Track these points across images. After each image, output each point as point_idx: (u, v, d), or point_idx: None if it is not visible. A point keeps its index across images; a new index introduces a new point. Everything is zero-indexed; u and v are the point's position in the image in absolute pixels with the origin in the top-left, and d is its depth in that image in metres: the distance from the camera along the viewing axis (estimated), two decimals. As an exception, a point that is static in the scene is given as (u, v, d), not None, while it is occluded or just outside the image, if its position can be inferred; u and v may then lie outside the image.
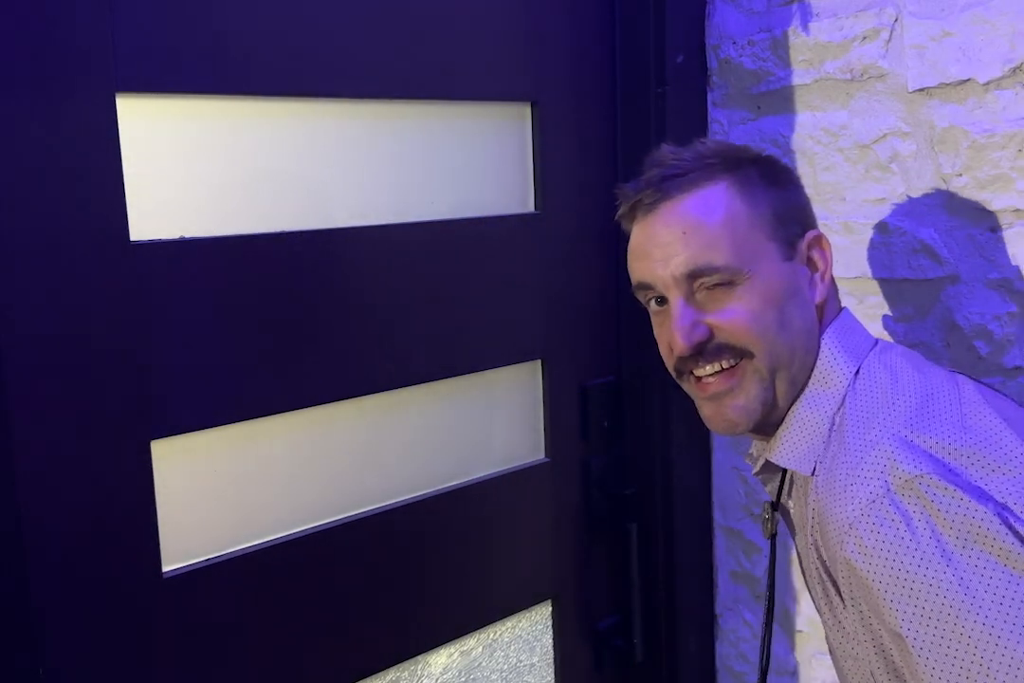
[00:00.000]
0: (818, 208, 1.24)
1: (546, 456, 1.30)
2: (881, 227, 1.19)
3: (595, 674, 1.37)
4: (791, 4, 1.23)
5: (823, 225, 1.23)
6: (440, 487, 1.18)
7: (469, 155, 1.19)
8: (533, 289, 1.24)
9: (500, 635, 1.24)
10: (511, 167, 1.23)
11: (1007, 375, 1.10)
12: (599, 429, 1.33)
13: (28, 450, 0.83)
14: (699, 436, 1.39)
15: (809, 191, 1.24)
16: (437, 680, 1.18)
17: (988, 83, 1.07)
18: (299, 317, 1.02)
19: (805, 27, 1.22)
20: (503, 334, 1.22)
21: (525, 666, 1.27)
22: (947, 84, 1.10)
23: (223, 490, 1.00)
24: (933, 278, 1.15)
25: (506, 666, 1.24)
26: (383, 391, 1.10)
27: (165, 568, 0.94)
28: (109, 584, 0.89)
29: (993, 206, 1.09)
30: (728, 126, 1.31)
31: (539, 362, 1.28)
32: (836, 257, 1.23)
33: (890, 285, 1.19)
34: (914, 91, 1.13)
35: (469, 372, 1.19)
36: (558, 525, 1.30)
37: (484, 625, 1.23)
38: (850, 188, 1.21)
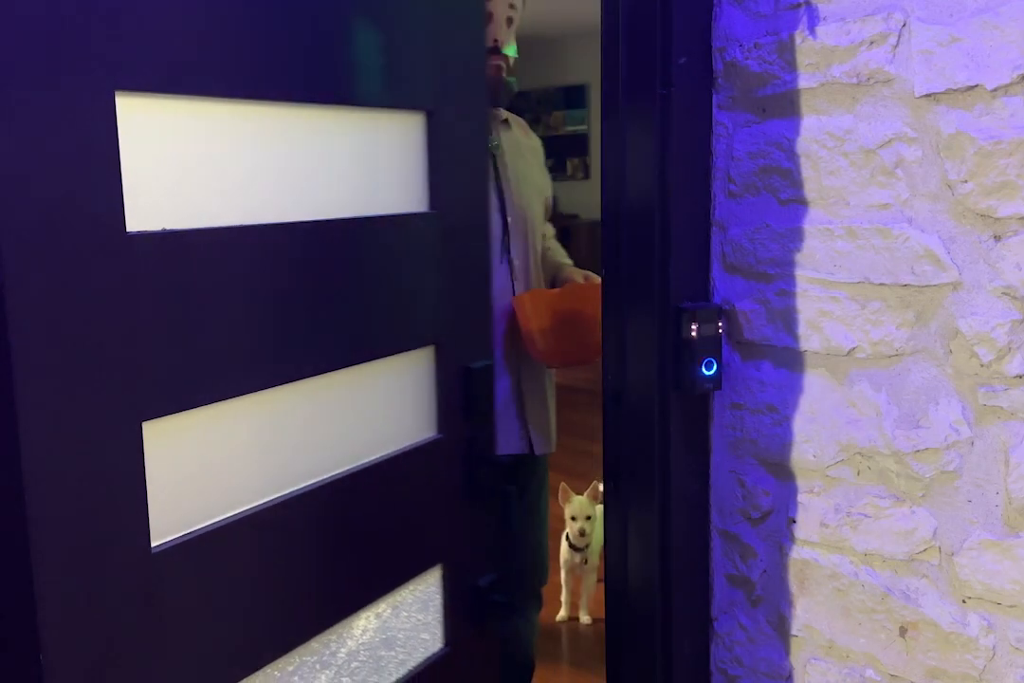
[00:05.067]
0: (822, 212, 1.24)
1: (438, 433, 1.38)
2: (885, 232, 1.18)
3: (478, 627, 1.48)
4: (798, 8, 1.22)
5: (827, 229, 1.24)
6: (349, 467, 1.24)
7: (373, 158, 1.26)
8: (427, 281, 1.33)
9: (404, 597, 1.37)
10: (410, 169, 1.31)
11: (1009, 383, 1.10)
12: (481, 406, 1.43)
13: (28, 436, 0.85)
14: (698, 438, 1.39)
15: (813, 195, 1.25)
16: (358, 640, 1.29)
17: (996, 89, 1.07)
18: (222, 310, 1.03)
19: (812, 31, 1.21)
20: (401, 323, 1.29)
21: (422, 624, 1.39)
22: (954, 90, 1.10)
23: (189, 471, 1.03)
24: (936, 284, 1.14)
25: (408, 625, 1.37)
26: (295, 381, 1.14)
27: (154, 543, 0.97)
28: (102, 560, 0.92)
29: (998, 213, 1.08)
30: (732, 129, 1.31)
31: (432, 347, 1.36)
32: (839, 261, 1.23)
33: (893, 291, 1.18)
34: (921, 96, 1.12)
35: (373, 359, 1.26)
36: (448, 494, 1.40)
37: (392, 589, 1.33)
38: (854, 192, 1.20)
